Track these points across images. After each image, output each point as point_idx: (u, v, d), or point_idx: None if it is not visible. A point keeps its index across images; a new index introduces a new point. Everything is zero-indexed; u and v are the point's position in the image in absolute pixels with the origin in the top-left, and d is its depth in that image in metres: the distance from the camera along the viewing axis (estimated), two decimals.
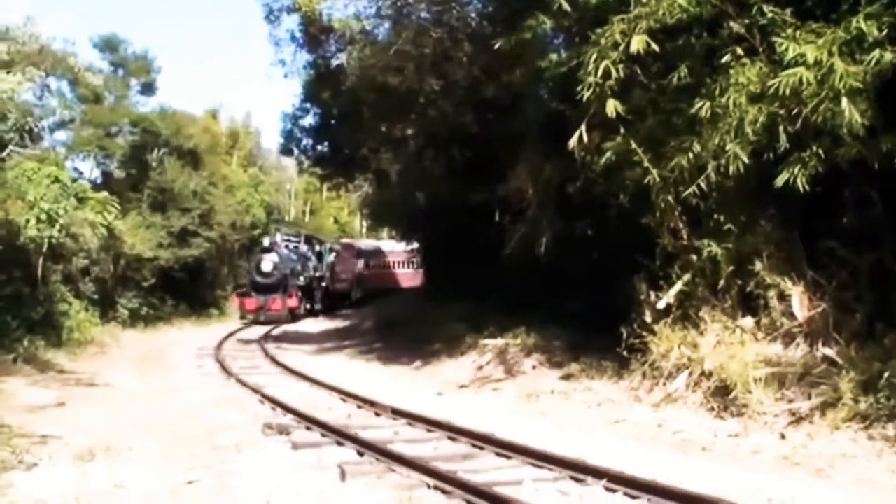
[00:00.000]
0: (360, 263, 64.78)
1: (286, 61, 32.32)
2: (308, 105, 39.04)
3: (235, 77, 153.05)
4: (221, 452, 12.98)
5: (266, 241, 52.39)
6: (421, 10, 25.19)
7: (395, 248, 69.69)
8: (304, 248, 57.37)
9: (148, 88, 54.01)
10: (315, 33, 29.31)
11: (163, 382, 22.60)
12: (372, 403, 17.00)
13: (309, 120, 40.15)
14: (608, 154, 15.70)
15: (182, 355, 29.81)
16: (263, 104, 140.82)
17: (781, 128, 13.05)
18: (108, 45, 51.81)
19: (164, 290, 46.07)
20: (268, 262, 48.97)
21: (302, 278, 52.89)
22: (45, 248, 28.84)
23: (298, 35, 30.76)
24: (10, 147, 26.85)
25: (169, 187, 48.15)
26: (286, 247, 53.44)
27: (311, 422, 14.93)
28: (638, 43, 14.32)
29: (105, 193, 33.32)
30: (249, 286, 49.70)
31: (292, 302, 49.60)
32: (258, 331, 40.98)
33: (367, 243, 71.58)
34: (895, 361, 12.33)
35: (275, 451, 13.06)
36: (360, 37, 27.03)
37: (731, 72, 13.79)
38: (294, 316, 49.64)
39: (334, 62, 30.72)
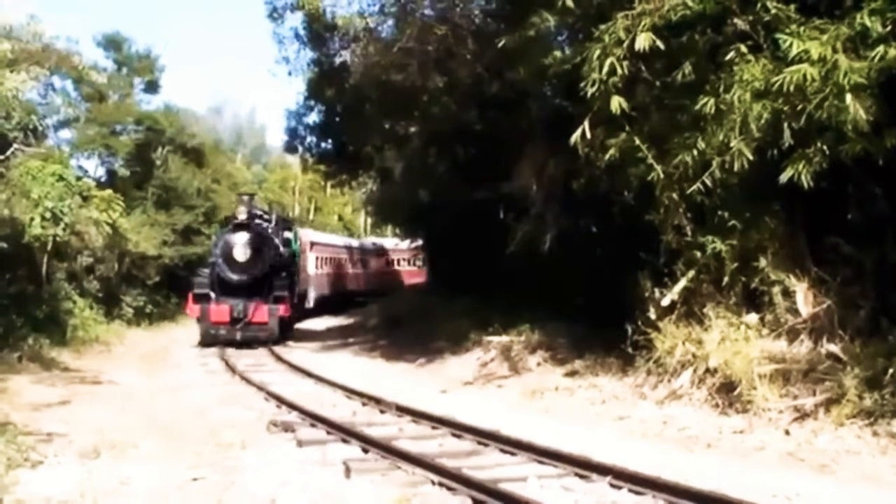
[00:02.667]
0: (312, 260, 47.62)
1: (290, 59, 32.43)
2: (312, 102, 39.02)
3: (240, 75, 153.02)
4: (226, 450, 13.02)
5: (240, 213, 33.30)
6: (425, 7, 25.19)
7: (357, 244, 64.05)
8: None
9: (152, 87, 54.06)
10: (318, 31, 29.35)
11: (168, 380, 22.62)
12: (377, 401, 17.02)
13: (313, 117, 40.15)
14: (612, 151, 15.69)
15: (187, 353, 29.83)
16: (268, 102, 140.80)
17: (786, 124, 13.01)
18: (112, 44, 51.86)
19: (168, 287, 45.89)
20: (243, 247, 32.55)
21: (284, 273, 34.61)
22: (49, 247, 29.03)
23: (302, 33, 30.89)
24: (15, 145, 26.89)
25: (173, 185, 48.27)
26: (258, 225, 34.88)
27: (315, 419, 14.94)
28: (643, 40, 14.29)
29: (109, 191, 33.61)
30: (215, 286, 32.63)
31: (283, 309, 32.61)
32: None
33: (319, 236, 55.36)
34: None
35: (280, 449, 13.08)
36: (364, 34, 27.01)
37: (736, 68, 13.76)
38: (285, 332, 33.82)
39: (338, 60, 30.75)
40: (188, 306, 33.47)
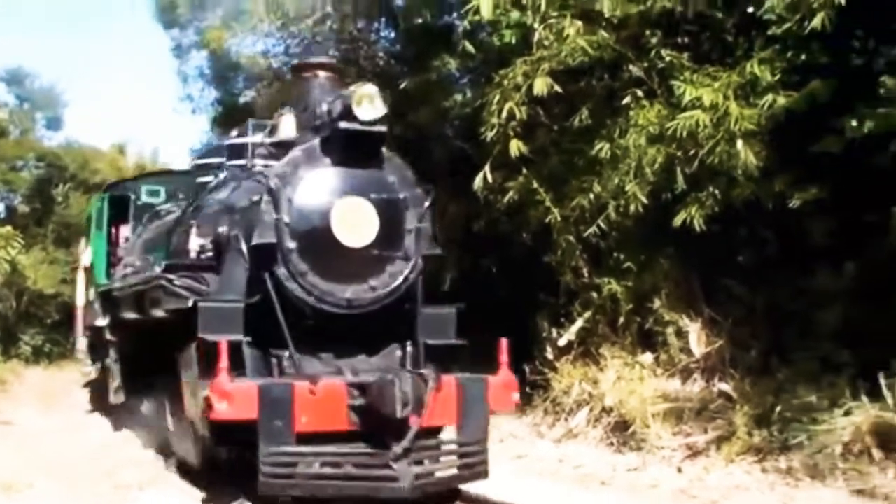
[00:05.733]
0: None
1: (194, 97, 32.38)
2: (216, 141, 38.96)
3: (144, 112, 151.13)
4: (124, 490, 12.84)
5: (365, 109, 9.53)
6: (330, 48, 25.34)
7: None
8: None
9: (55, 123, 53.35)
10: (223, 70, 29.38)
11: (67, 420, 22.22)
12: None
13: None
14: (511, 193, 15.93)
15: (87, 392, 29.36)
16: (172, 139, 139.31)
17: (679, 169, 13.37)
18: (14, 79, 51.12)
19: (69, 327, 45.04)
20: (360, 215, 9.84)
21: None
22: None
23: (207, 72, 30.88)
24: None
25: (74, 222, 47.45)
26: None
27: None
28: (540, 85, 14.55)
29: (8, 228, 32.96)
30: (267, 325, 9.29)
31: (501, 389, 10.82)
32: None
33: None
34: (787, 395, 12.60)
35: (180, 488, 12.95)
36: (268, 74, 27.11)
37: (631, 113, 14.09)
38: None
39: (242, 99, 30.79)
40: (213, 386, 8.62)
